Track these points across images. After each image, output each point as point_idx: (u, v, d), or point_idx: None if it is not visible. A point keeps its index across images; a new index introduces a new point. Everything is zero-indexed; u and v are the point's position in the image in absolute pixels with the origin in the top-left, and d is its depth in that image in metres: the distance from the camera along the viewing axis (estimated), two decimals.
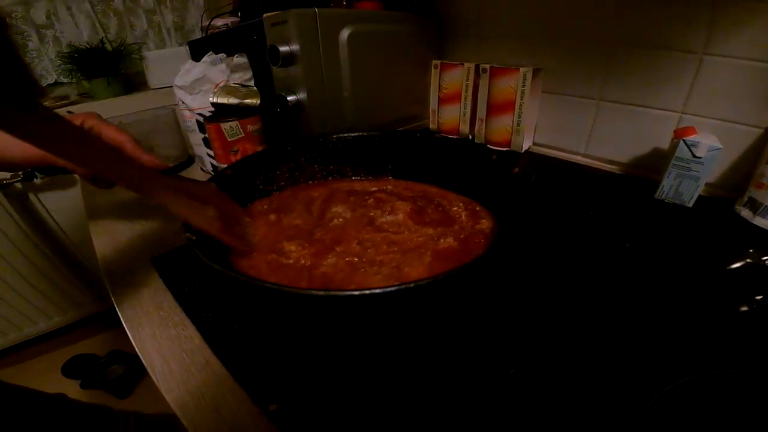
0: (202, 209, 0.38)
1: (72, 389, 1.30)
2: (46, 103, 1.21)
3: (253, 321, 0.38)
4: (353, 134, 0.57)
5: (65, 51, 1.25)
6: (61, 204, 1.28)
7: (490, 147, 0.83)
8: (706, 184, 0.57)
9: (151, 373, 0.35)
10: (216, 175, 0.48)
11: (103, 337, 1.54)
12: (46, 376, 1.36)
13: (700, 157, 0.54)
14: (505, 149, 0.81)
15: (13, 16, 1.18)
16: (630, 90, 0.67)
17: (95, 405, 0.85)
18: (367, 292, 0.26)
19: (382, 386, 0.31)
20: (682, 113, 0.63)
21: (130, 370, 1.34)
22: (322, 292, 0.27)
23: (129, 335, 0.40)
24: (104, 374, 1.32)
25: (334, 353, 0.35)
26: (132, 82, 1.41)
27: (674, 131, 0.60)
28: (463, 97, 0.85)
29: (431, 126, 0.95)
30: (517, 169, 0.44)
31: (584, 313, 0.38)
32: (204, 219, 0.38)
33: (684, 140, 0.55)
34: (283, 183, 0.55)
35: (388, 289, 0.26)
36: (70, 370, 1.36)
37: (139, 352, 0.38)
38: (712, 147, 0.53)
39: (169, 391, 0.33)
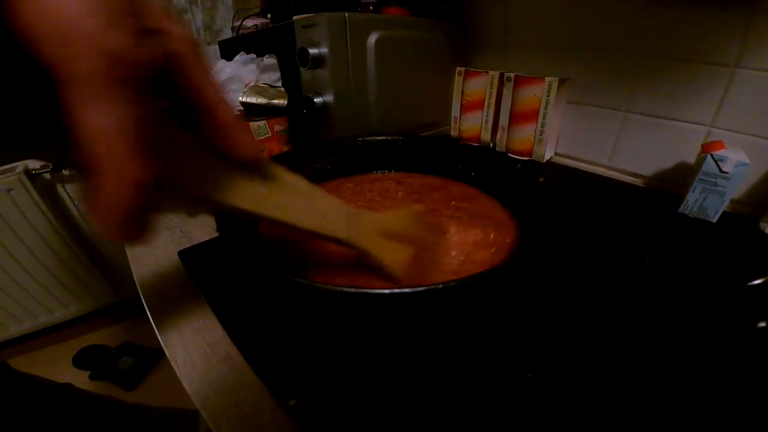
0: (396, 251, 0.36)
1: (81, 380, 1.32)
2: None
3: (276, 315, 0.39)
4: (378, 138, 0.57)
5: None
6: None
7: (512, 156, 0.83)
8: (731, 200, 0.56)
9: (173, 364, 0.36)
10: None
11: (116, 329, 1.56)
12: (57, 366, 1.37)
13: (727, 173, 0.53)
14: (526, 158, 0.81)
15: None
16: (658, 102, 0.66)
17: (104, 397, 0.87)
18: (397, 291, 0.27)
19: (402, 385, 0.31)
20: (711, 127, 0.62)
21: (139, 363, 1.35)
22: (353, 290, 0.28)
23: (153, 326, 0.40)
24: (113, 366, 1.34)
25: (354, 350, 0.35)
26: None
27: (702, 145, 0.59)
28: (485, 105, 0.85)
29: (452, 133, 0.95)
30: (542, 179, 0.44)
31: (603, 322, 0.38)
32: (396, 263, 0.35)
33: (711, 155, 0.54)
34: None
35: (418, 289, 0.27)
36: (80, 360, 1.38)
37: (162, 344, 0.38)
38: (740, 162, 0.52)
39: (190, 383, 0.34)
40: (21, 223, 1.19)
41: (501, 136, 0.84)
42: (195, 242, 0.53)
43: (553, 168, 0.80)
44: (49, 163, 1.17)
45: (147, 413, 0.93)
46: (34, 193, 1.17)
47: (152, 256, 0.52)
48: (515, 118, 0.80)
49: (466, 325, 0.37)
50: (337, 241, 0.33)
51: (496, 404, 0.30)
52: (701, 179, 0.56)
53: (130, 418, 0.88)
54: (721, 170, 0.54)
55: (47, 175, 1.21)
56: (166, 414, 0.97)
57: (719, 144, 0.56)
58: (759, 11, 0.53)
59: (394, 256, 0.36)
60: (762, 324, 0.37)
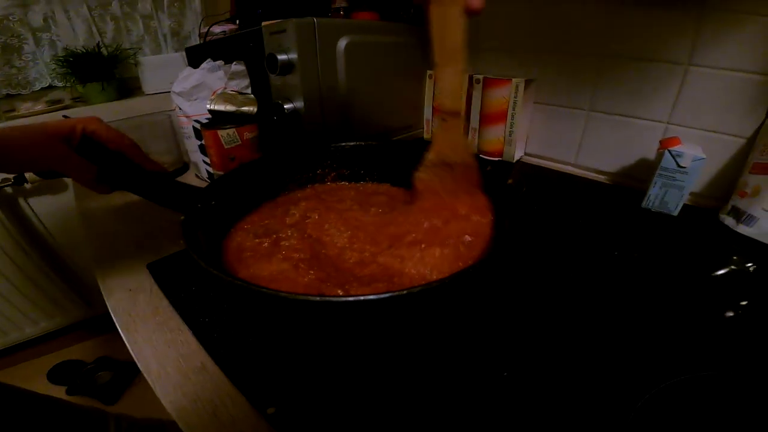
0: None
1: (58, 395, 1.28)
2: (39, 107, 1.20)
3: (250, 325, 0.39)
4: (351, 143, 0.57)
5: (61, 55, 1.25)
6: (50, 209, 1.27)
7: (483, 157, 0.84)
8: (690, 194, 0.58)
9: (147, 377, 0.35)
10: (214, 182, 0.48)
11: (91, 344, 1.52)
12: (32, 382, 1.33)
13: (685, 167, 0.56)
14: (497, 159, 0.83)
15: (9, 18, 1.17)
16: (618, 101, 0.68)
17: (86, 406, 0.84)
18: (362, 298, 0.27)
19: (379, 389, 0.32)
20: (668, 123, 0.64)
21: (117, 377, 1.32)
22: (317, 298, 0.28)
23: (124, 340, 0.40)
24: (91, 380, 1.30)
25: (331, 356, 0.35)
26: (126, 87, 1.41)
27: (660, 141, 0.62)
28: None
29: (425, 135, 0.96)
30: (511, 180, 0.45)
31: (575, 318, 0.39)
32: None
33: (669, 150, 0.56)
34: (280, 191, 0.55)
35: (383, 296, 0.27)
36: (56, 376, 1.34)
37: (134, 357, 0.38)
38: (696, 157, 0.54)
39: (165, 395, 0.33)
40: None
41: (472, 138, 0.85)
42: (163, 254, 0.52)
43: (522, 168, 0.82)
44: (10, 177, 1.13)
45: (134, 424, 0.90)
46: None
47: (120, 270, 0.51)
48: (485, 119, 0.81)
49: (439, 327, 0.38)
50: None
51: (474, 404, 0.30)
52: (661, 174, 0.58)
53: (117, 427, 0.85)
54: (678, 165, 0.56)
55: (9, 189, 1.17)
56: (153, 425, 0.94)
57: (676, 140, 0.58)
58: (707, 10, 0.55)
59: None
60: (729, 313, 0.39)
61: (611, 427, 0.28)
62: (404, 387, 0.32)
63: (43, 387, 1.32)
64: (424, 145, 0.48)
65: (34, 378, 1.35)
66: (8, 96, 1.26)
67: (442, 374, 0.33)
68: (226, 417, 0.31)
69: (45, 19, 1.24)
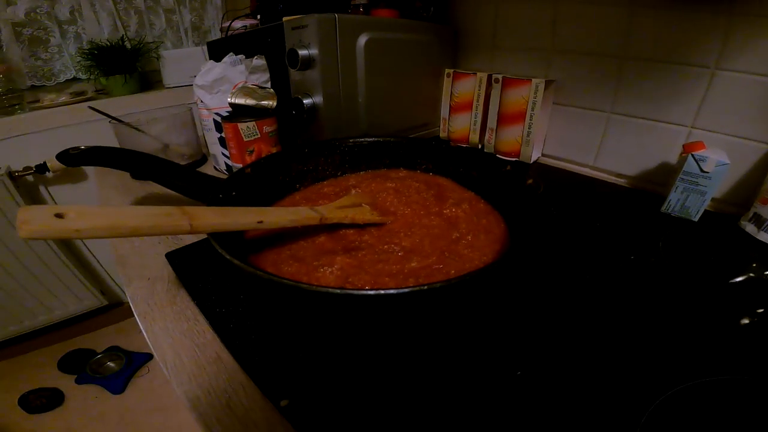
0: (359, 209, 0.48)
1: (68, 384, 1.32)
2: (62, 99, 1.23)
3: (266, 316, 0.39)
4: (369, 139, 0.57)
5: (86, 48, 1.27)
6: (71, 198, 1.29)
7: (500, 157, 0.84)
8: (712, 199, 0.57)
9: (162, 367, 0.36)
10: (235, 174, 0.49)
11: (102, 333, 1.55)
12: (43, 370, 1.36)
13: (708, 172, 0.54)
14: (513, 159, 0.82)
15: (37, 11, 1.20)
16: (641, 103, 0.67)
17: None
18: (382, 292, 0.27)
19: (392, 384, 0.32)
20: (692, 128, 0.63)
21: (126, 366, 1.35)
22: (338, 291, 0.28)
23: (141, 328, 0.40)
24: (100, 370, 1.33)
25: (345, 350, 0.35)
26: (148, 80, 1.43)
27: (683, 146, 0.60)
28: (474, 107, 0.86)
29: (441, 134, 0.96)
30: (530, 181, 0.45)
31: (590, 320, 0.39)
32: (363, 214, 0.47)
33: (692, 155, 0.55)
34: (298, 185, 0.56)
35: (403, 290, 0.27)
36: (66, 364, 1.37)
37: (151, 346, 0.38)
38: (720, 162, 0.53)
39: (180, 384, 0.34)
40: (3, 225, 1.17)
41: (489, 137, 0.85)
42: (183, 244, 0.52)
43: (540, 169, 0.81)
44: (32, 166, 1.15)
45: None
46: (17, 196, 1.15)
47: (140, 259, 0.52)
48: (503, 119, 0.80)
49: (455, 324, 0.38)
50: (318, 222, 0.42)
51: (487, 402, 0.30)
52: (683, 179, 0.57)
53: None
54: (702, 170, 0.55)
55: (30, 178, 1.19)
56: None
57: (700, 144, 0.57)
58: (738, 14, 0.54)
59: (360, 214, 0.46)
60: (745, 321, 0.38)
61: (624, 428, 0.28)
62: (418, 383, 0.32)
63: (54, 375, 1.35)
64: (441, 142, 0.48)
65: (45, 366, 1.38)
66: (33, 87, 1.29)
67: (456, 371, 0.33)
68: (239, 408, 0.31)
69: (71, 12, 1.27)
